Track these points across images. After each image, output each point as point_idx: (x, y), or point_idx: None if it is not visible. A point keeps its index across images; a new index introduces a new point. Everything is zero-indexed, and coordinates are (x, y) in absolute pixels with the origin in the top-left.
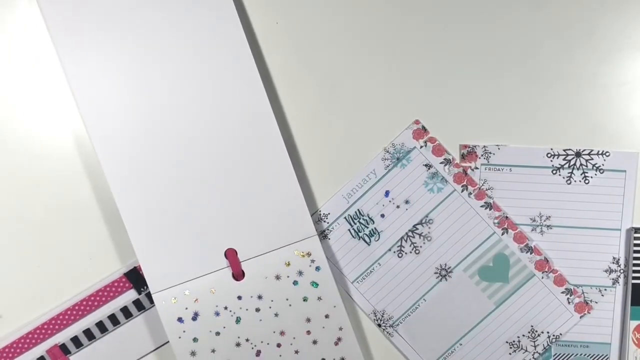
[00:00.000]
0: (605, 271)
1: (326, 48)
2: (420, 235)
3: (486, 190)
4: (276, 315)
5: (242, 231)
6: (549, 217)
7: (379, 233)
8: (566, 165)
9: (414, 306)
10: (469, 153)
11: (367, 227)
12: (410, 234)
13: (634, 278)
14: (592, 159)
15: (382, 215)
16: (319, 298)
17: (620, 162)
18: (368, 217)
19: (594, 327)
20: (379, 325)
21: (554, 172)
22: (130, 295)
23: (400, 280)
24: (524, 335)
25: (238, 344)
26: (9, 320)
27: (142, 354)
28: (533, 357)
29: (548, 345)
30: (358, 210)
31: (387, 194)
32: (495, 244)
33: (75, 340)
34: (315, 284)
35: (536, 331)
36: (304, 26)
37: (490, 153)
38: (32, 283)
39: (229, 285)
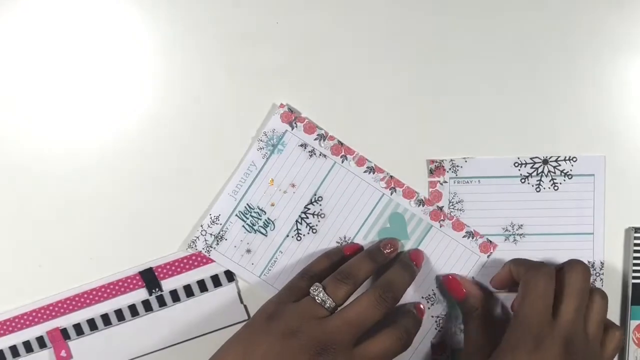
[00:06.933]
0: None
1: (326, 48)
2: (313, 214)
3: (456, 202)
4: None
5: None
6: (521, 225)
7: (273, 222)
8: (534, 173)
9: None
10: (436, 168)
11: (260, 219)
12: (303, 215)
13: (634, 278)
14: (559, 165)
15: (272, 204)
16: None
17: (587, 167)
18: (259, 208)
19: None
20: None
21: (523, 180)
22: (141, 294)
23: (305, 262)
24: (437, 287)
25: None
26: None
27: (138, 354)
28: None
29: None
30: (247, 204)
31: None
32: (387, 205)
33: (77, 328)
34: None
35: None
36: (304, 26)
37: (457, 166)
38: (32, 282)
39: None
